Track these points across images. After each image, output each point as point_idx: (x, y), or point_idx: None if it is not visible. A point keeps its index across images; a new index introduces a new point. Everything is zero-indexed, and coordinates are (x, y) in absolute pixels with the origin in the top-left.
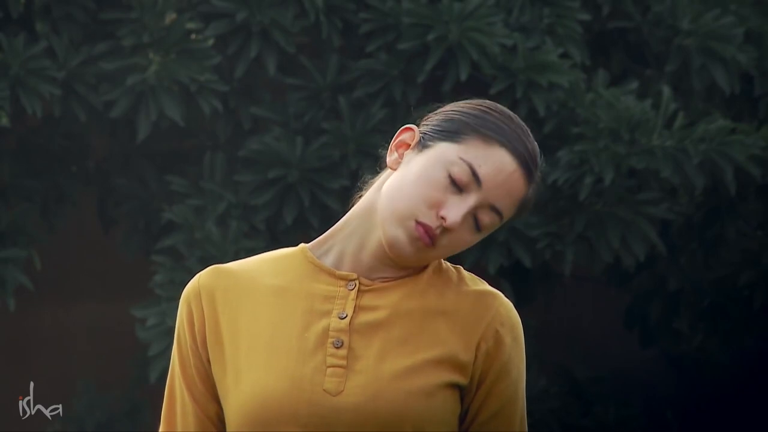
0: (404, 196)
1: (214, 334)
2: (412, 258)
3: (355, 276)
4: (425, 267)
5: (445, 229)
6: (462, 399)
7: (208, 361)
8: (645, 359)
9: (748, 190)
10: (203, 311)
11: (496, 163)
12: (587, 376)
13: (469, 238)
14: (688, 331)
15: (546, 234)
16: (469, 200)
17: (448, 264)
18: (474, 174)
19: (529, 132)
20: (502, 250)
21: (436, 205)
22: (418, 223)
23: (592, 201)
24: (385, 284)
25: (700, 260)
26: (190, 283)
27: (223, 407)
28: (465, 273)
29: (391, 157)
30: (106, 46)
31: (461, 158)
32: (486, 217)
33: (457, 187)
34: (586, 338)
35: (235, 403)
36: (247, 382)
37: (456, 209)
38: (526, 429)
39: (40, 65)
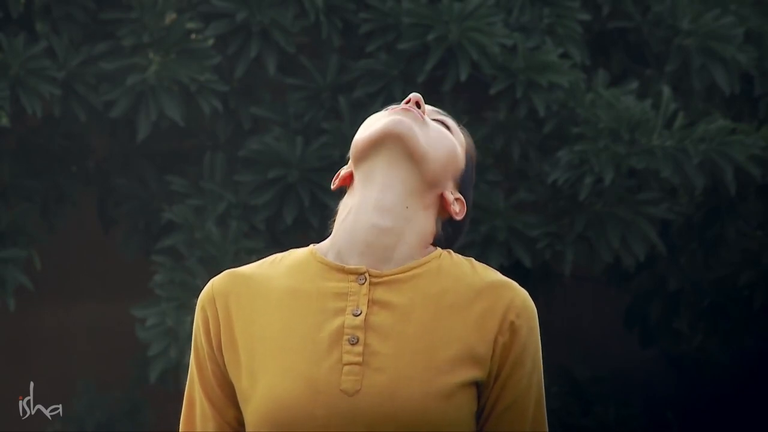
0: (365, 123)
1: (230, 339)
2: (414, 133)
3: (363, 269)
4: (437, 258)
5: (417, 107)
6: (479, 396)
7: (225, 366)
8: (645, 359)
9: (748, 190)
10: (218, 317)
11: None
12: (587, 376)
13: (444, 131)
14: (688, 331)
15: (546, 234)
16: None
17: (459, 255)
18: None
19: None
20: (502, 250)
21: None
22: (390, 111)
23: (592, 201)
24: (398, 276)
25: (700, 260)
26: (204, 289)
27: (242, 411)
28: (477, 263)
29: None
30: (106, 46)
31: None
32: (441, 117)
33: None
34: (586, 338)
35: (252, 406)
36: (262, 386)
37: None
38: (545, 416)
39: (40, 65)
